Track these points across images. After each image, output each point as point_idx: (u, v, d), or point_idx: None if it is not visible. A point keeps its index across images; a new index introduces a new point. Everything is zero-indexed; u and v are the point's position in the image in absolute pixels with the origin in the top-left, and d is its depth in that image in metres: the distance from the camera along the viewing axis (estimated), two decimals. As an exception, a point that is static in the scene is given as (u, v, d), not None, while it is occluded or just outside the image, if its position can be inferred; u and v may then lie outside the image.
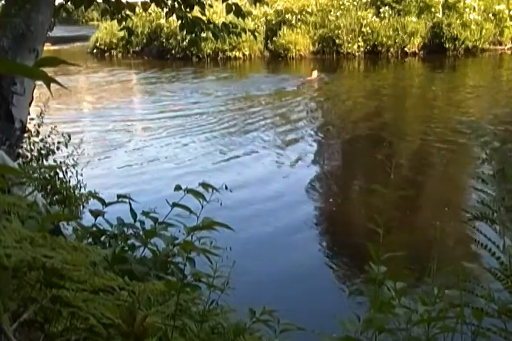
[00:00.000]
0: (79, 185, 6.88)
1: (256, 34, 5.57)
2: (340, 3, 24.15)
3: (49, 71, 0.88)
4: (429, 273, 1.88)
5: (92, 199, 6.04)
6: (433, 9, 23.30)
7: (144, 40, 26.13)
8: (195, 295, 2.26)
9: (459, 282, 1.84)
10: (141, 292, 1.69)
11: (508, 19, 23.21)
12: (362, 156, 11.33)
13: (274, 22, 24.65)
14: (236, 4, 5.14)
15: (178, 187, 2.59)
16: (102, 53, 26.88)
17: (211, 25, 5.07)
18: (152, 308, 1.82)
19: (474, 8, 22.89)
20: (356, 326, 1.85)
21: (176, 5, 5.05)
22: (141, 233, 2.60)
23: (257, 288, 5.71)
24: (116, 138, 12.61)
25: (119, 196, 2.78)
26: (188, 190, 2.56)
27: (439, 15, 23.13)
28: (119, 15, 4.99)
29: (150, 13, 24.04)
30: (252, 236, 7.15)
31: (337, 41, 23.17)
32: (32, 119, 6.47)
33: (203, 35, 5.24)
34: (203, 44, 21.62)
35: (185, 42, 21.82)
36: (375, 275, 1.84)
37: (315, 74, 18.83)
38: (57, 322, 1.56)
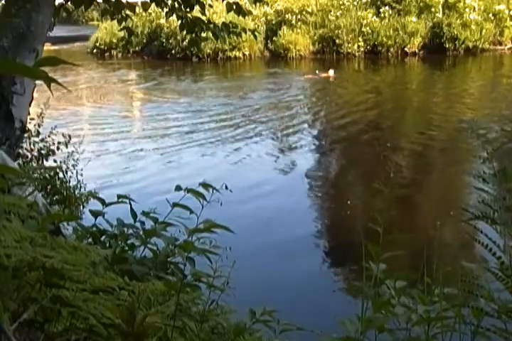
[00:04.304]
0: (79, 185, 6.86)
1: (256, 34, 5.56)
2: (340, 3, 24.15)
3: (48, 71, 0.88)
4: (428, 272, 1.88)
5: (92, 199, 6.04)
6: (433, 9, 23.31)
7: (144, 40, 26.11)
8: (195, 295, 2.26)
9: (458, 282, 1.84)
10: (141, 292, 1.69)
11: (508, 19, 23.22)
12: (362, 154, 11.33)
13: (274, 22, 24.65)
14: (236, 3, 5.14)
15: (178, 188, 2.59)
16: (102, 53, 26.87)
17: (211, 25, 5.06)
18: (152, 308, 1.82)
19: (474, 8, 22.89)
20: (356, 326, 1.84)
21: (176, 5, 5.04)
22: (141, 233, 2.60)
23: (257, 288, 5.71)
24: (117, 138, 12.60)
25: (119, 196, 2.78)
26: (188, 190, 2.56)
27: (439, 15, 23.14)
28: (119, 15, 4.98)
29: (150, 13, 24.00)
30: (252, 236, 7.14)
31: (337, 41, 23.18)
32: (32, 119, 6.46)
33: (203, 35, 5.24)
34: (203, 44, 21.61)
35: (185, 42, 21.81)
36: (375, 275, 1.84)
37: (331, 72, 19.00)
38: (57, 322, 1.56)
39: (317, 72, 19.80)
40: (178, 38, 23.49)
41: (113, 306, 1.59)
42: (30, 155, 6.74)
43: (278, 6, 25.04)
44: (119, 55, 26.75)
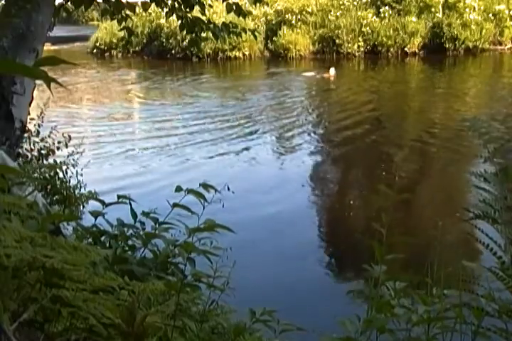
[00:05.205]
0: (79, 185, 6.86)
1: (256, 34, 5.56)
2: (340, 3, 24.14)
3: (48, 71, 0.88)
4: (430, 273, 1.88)
5: (92, 199, 6.04)
6: (433, 9, 23.30)
7: (144, 40, 26.09)
8: (195, 295, 2.26)
9: (459, 282, 1.84)
10: (141, 292, 1.68)
11: (508, 19, 23.21)
12: (365, 154, 11.33)
13: (274, 22, 24.65)
14: (236, 4, 5.14)
15: (178, 188, 2.59)
16: (102, 53, 26.86)
17: (211, 25, 5.06)
18: (152, 308, 1.82)
19: (474, 8, 22.88)
20: (356, 327, 1.84)
21: (176, 5, 5.04)
22: (142, 233, 2.60)
23: (257, 288, 5.70)
24: (117, 139, 12.60)
25: (119, 196, 2.77)
26: (189, 191, 2.55)
27: (439, 15, 23.13)
28: (119, 15, 4.98)
29: (150, 13, 23.99)
30: (253, 236, 7.14)
31: (337, 41, 23.17)
32: (32, 119, 6.45)
33: (203, 35, 5.24)
34: (203, 44, 21.61)
35: (185, 42, 21.80)
36: (377, 275, 1.83)
37: (332, 71, 18.95)
38: (57, 322, 1.56)
39: (303, 74, 19.77)
40: (178, 38, 23.48)
41: (113, 306, 1.59)
42: (30, 155, 6.74)
43: (278, 6, 25.03)
44: (119, 55, 26.74)
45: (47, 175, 6.16)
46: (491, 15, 23.03)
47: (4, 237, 1.52)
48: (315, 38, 23.69)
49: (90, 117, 15.18)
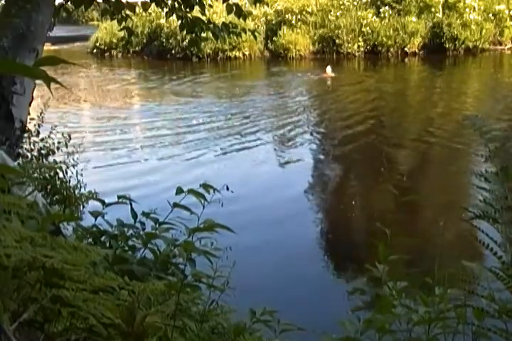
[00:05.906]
0: (79, 185, 6.86)
1: (256, 34, 5.55)
2: (340, 3, 24.15)
3: (49, 71, 0.88)
4: (431, 273, 1.88)
5: (92, 199, 6.04)
6: (433, 9, 23.31)
7: (144, 40, 26.11)
8: (195, 295, 2.26)
9: (460, 282, 1.84)
10: (141, 292, 1.68)
11: (508, 19, 23.22)
12: (368, 155, 11.32)
13: (274, 22, 24.66)
14: (237, 4, 5.13)
15: (179, 190, 2.58)
16: (102, 53, 26.87)
17: (211, 25, 5.06)
18: (152, 308, 1.81)
19: (474, 8, 22.88)
20: (356, 327, 1.84)
21: (176, 5, 5.04)
22: (142, 233, 2.60)
23: (257, 288, 5.70)
24: (116, 138, 12.59)
25: (119, 197, 2.77)
26: (189, 191, 2.55)
27: (439, 15, 23.14)
28: (119, 15, 4.97)
29: (150, 13, 23.99)
30: (254, 236, 7.14)
31: (337, 41, 23.18)
32: (32, 119, 6.46)
33: (203, 35, 5.23)
34: (203, 44, 21.58)
35: (185, 42, 21.80)
36: (380, 276, 1.83)
37: (329, 70, 18.88)
38: (57, 322, 1.56)
39: (303, 74, 19.72)
40: (178, 38, 23.48)
41: (113, 306, 1.58)
42: (30, 155, 6.74)
43: (278, 6, 25.04)
44: (119, 55, 26.75)
45: (47, 175, 6.16)
46: (491, 15, 23.04)
47: (4, 237, 1.52)
48: (315, 38, 23.71)
49: (90, 117, 15.18)
